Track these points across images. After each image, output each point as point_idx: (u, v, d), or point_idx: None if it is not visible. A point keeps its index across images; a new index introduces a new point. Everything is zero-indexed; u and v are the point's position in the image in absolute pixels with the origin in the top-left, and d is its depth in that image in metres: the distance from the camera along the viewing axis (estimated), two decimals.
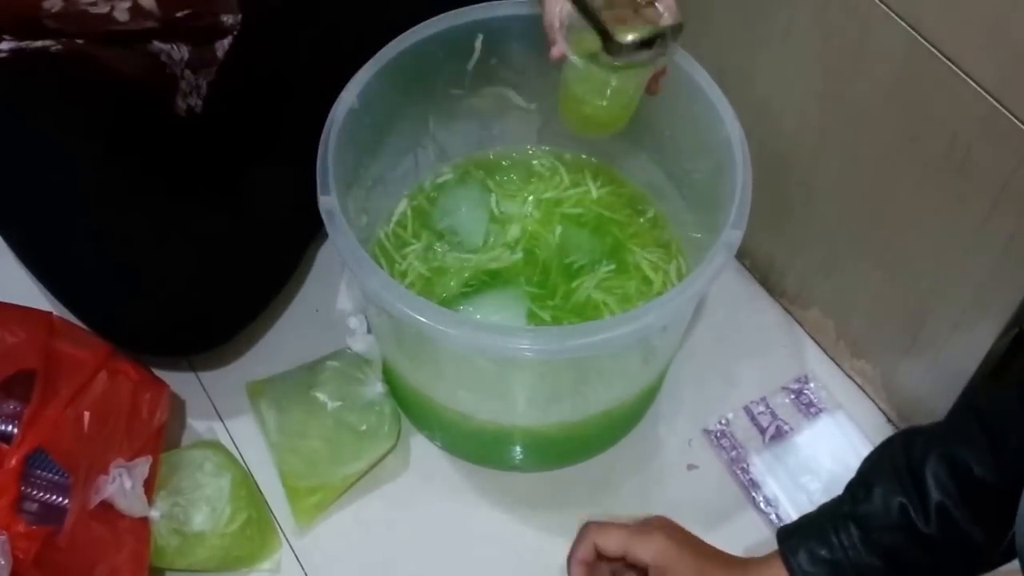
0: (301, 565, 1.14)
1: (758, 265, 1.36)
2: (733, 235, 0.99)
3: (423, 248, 1.22)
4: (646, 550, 0.92)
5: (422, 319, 0.93)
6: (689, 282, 0.97)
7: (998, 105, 0.92)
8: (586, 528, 0.97)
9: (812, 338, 1.31)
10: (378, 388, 1.17)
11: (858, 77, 1.06)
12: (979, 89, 0.93)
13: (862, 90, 1.06)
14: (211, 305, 1.14)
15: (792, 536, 0.90)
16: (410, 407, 1.21)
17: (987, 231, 1.00)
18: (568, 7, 0.97)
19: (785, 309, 1.34)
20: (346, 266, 0.99)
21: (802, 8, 1.08)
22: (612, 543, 0.94)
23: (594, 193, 1.28)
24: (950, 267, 1.06)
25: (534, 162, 1.31)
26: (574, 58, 0.99)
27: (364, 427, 1.16)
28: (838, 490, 0.92)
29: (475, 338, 0.92)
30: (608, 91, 1.02)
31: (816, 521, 0.90)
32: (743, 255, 1.37)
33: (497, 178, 1.30)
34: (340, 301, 1.33)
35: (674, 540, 0.93)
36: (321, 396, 1.16)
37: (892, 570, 0.85)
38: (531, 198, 1.27)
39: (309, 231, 1.28)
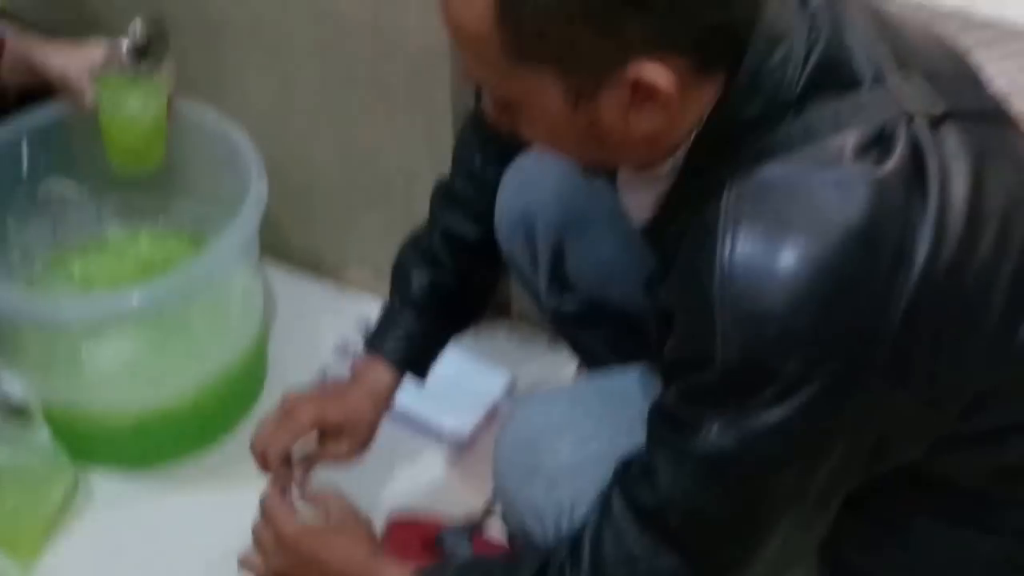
0: None
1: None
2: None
3: None
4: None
5: None
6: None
7: None
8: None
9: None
10: (42, 436, 1.39)
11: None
12: None
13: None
14: None
15: (375, 337, 1.24)
16: (72, 436, 1.44)
17: None
18: (90, 63, 1.34)
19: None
20: None
21: None
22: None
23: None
24: None
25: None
26: (98, 86, 1.35)
27: (38, 471, 1.39)
28: None
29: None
30: (136, 106, 1.38)
31: (384, 319, 1.24)
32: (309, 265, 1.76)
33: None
34: None
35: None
36: None
37: (440, 317, 1.23)
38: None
39: None
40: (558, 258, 1.19)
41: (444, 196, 1.25)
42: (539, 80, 0.82)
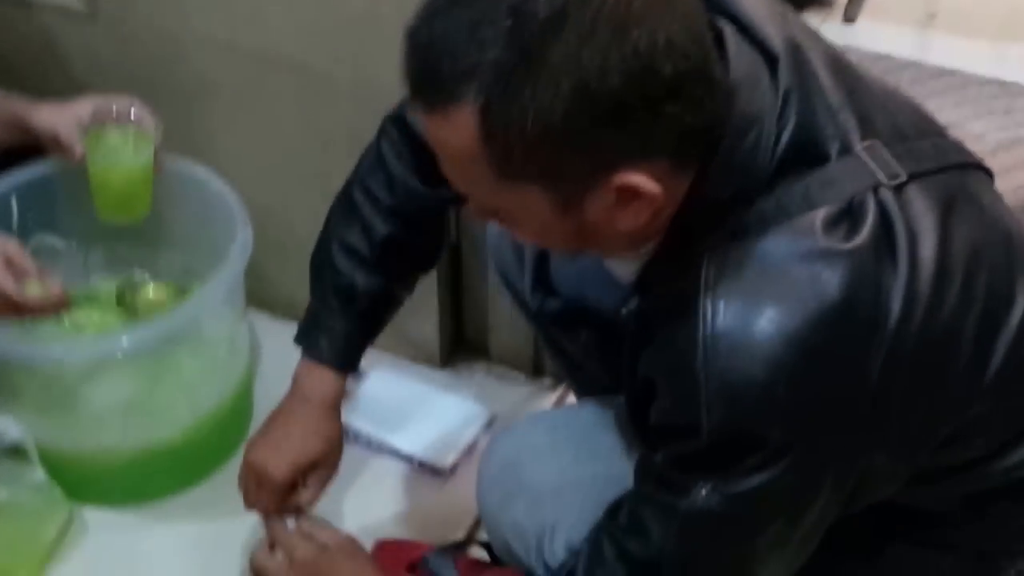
0: None
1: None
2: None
3: None
4: None
5: None
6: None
7: None
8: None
9: None
10: (38, 474, 1.45)
11: None
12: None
13: None
14: None
15: (305, 335, 1.24)
16: (67, 474, 1.49)
17: None
18: (78, 119, 1.40)
19: None
20: None
21: None
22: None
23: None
24: None
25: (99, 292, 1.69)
26: (88, 139, 1.41)
27: (34, 508, 1.44)
28: None
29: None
30: (125, 157, 1.44)
31: (311, 313, 1.24)
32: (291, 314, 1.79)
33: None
34: None
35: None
36: None
37: (380, 302, 1.24)
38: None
39: None
40: (542, 262, 1.25)
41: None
42: (526, 194, 0.84)
